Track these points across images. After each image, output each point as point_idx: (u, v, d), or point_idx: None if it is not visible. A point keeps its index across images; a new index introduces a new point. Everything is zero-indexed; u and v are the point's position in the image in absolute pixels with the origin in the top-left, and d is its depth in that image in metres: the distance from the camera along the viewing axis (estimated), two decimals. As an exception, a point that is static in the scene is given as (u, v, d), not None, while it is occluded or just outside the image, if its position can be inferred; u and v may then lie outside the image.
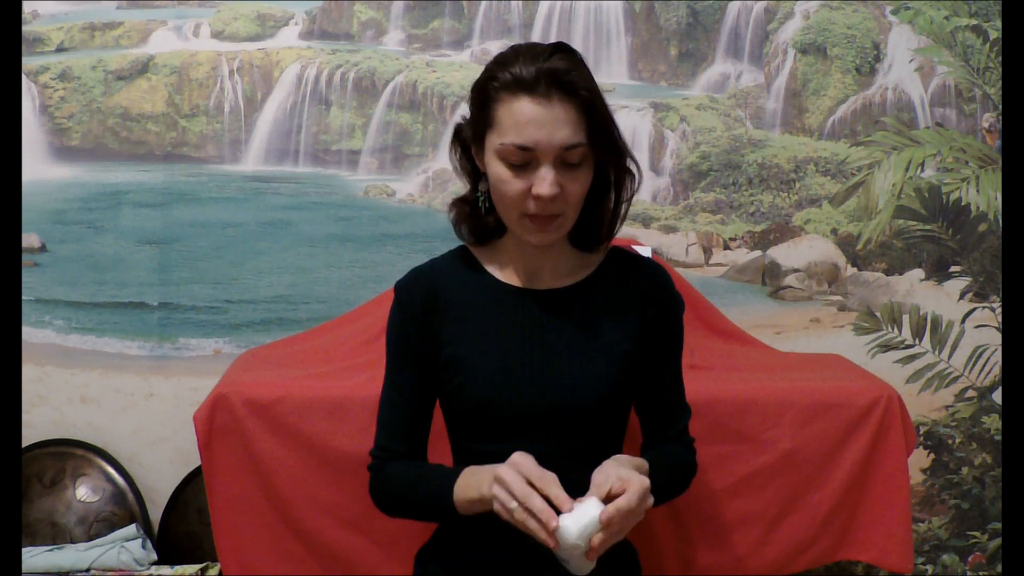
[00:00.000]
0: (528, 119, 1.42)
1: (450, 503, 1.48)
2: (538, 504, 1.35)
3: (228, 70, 2.77)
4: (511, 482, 1.36)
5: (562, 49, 1.46)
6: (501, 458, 1.45)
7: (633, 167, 1.54)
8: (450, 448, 1.64)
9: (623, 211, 1.57)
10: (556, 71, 1.42)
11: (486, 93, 1.47)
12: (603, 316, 1.57)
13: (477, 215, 1.57)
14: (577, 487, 1.57)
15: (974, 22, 2.78)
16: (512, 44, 1.51)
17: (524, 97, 1.42)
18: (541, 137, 1.42)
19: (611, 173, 1.54)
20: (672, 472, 1.60)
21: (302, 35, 2.79)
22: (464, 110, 1.57)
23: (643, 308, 1.59)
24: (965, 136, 2.81)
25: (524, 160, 1.44)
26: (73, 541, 2.65)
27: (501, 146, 1.44)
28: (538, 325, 1.56)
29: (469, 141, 1.54)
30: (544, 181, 1.43)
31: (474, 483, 1.45)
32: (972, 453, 2.85)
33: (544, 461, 1.48)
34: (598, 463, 1.58)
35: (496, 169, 1.47)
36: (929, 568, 2.87)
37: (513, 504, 1.36)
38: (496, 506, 1.39)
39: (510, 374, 1.53)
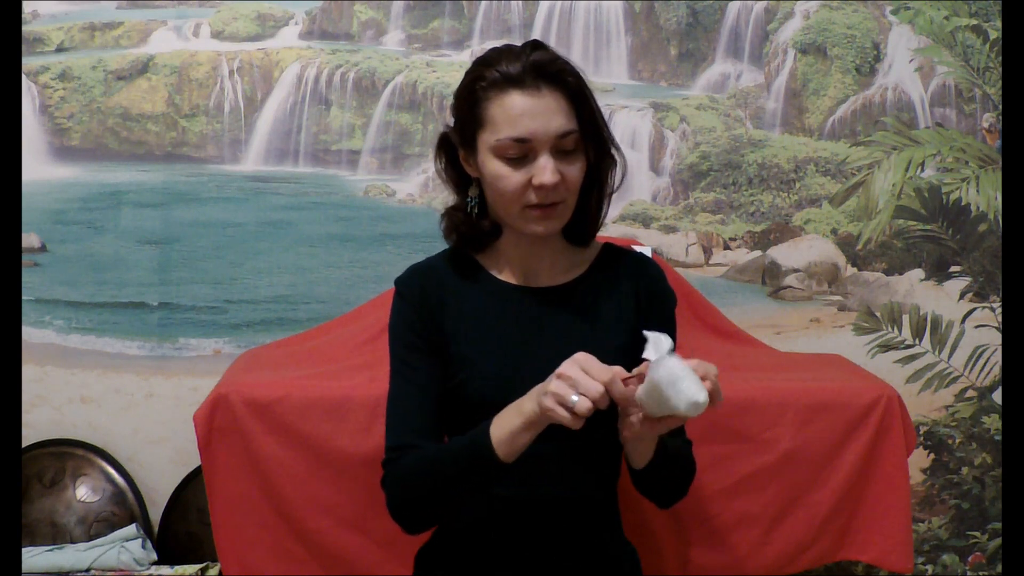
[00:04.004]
0: (521, 111, 1.45)
1: (488, 447, 1.40)
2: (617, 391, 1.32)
3: (228, 70, 2.77)
4: (577, 376, 1.32)
5: (539, 45, 1.49)
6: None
7: (616, 154, 1.56)
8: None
9: (608, 201, 1.58)
10: (541, 63, 1.46)
11: (474, 94, 1.49)
12: (601, 312, 1.58)
13: (470, 221, 1.58)
14: (577, 486, 1.58)
15: (974, 22, 2.78)
16: (489, 48, 1.54)
17: (514, 91, 1.46)
18: (536, 127, 1.45)
19: (598, 164, 1.55)
20: (677, 456, 1.58)
21: (302, 35, 2.79)
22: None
23: (638, 303, 1.59)
24: (965, 136, 2.81)
25: (521, 153, 1.46)
26: (73, 541, 2.65)
27: (497, 142, 1.46)
28: (538, 322, 1.56)
29: (458, 146, 1.55)
30: (545, 170, 1.45)
31: (513, 410, 1.40)
32: (972, 453, 2.85)
33: (544, 460, 1.48)
34: (597, 461, 1.59)
35: (493, 166, 1.48)
36: (929, 568, 2.87)
37: (574, 397, 1.31)
38: (548, 402, 1.33)
39: (512, 371, 1.52)
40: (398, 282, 1.61)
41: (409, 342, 1.57)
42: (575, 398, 1.31)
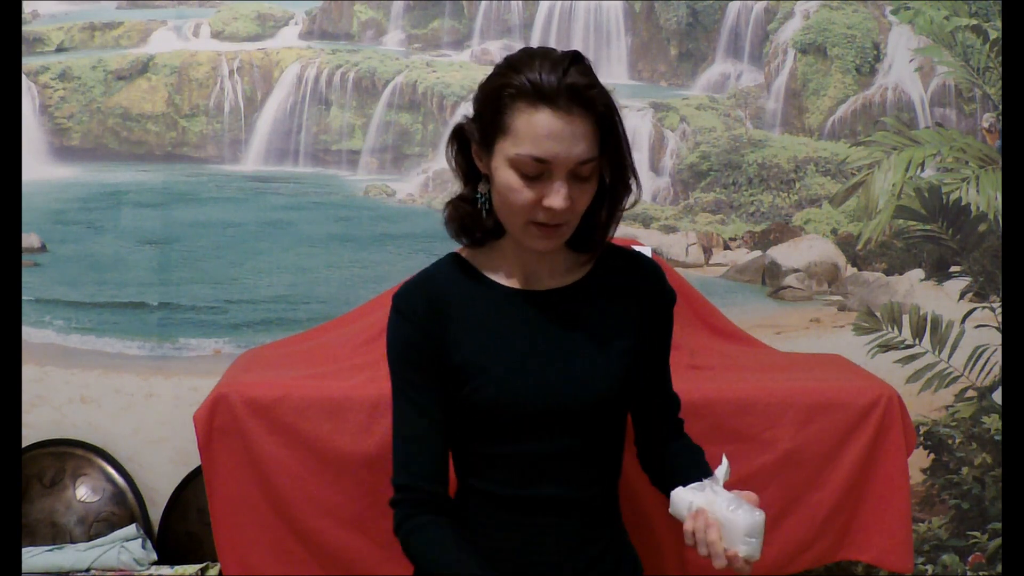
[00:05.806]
0: (548, 132, 1.41)
1: None
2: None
3: (228, 70, 2.77)
4: None
5: (578, 60, 1.44)
6: (508, 460, 1.47)
7: (633, 184, 1.53)
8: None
9: (617, 220, 1.56)
10: (577, 86, 1.41)
11: (500, 99, 1.44)
12: (604, 313, 1.58)
13: (476, 215, 1.55)
14: (577, 486, 1.58)
15: (974, 22, 2.78)
16: (523, 48, 1.50)
17: (545, 109, 1.41)
18: (560, 151, 1.41)
19: (614, 186, 1.53)
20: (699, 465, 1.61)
21: (302, 35, 2.79)
22: (464, 109, 1.56)
23: (641, 303, 1.59)
24: (965, 136, 2.81)
25: (538, 171, 1.43)
26: (73, 541, 2.65)
27: (516, 156, 1.43)
28: (543, 326, 1.56)
29: (474, 142, 1.51)
30: (558, 195, 1.43)
31: None
32: (972, 453, 2.85)
33: (545, 460, 1.48)
34: (598, 461, 1.59)
35: (506, 177, 1.45)
36: (929, 568, 2.87)
37: None
38: None
39: (522, 376, 1.52)
40: (397, 299, 1.57)
41: (412, 360, 1.54)
42: None
